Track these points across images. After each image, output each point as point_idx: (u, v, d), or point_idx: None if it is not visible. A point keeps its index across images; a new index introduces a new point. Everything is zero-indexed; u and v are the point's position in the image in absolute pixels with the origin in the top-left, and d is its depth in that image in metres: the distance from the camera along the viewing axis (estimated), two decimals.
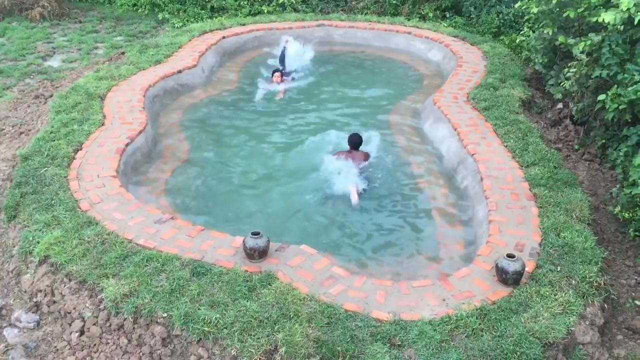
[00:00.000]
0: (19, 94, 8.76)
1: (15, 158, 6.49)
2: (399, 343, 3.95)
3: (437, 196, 6.41)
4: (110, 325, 4.34)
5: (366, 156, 6.91)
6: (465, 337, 4.00)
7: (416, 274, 5.11)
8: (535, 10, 7.73)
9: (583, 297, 4.40)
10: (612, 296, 4.81)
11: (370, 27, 11.16)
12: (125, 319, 4.29)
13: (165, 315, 4.18)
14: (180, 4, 12.87)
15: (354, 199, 6.17)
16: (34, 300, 4.75)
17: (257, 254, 4.63)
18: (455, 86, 8.36)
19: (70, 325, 4.48)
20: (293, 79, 9.57)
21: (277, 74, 9.23)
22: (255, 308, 4.14)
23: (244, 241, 4.66)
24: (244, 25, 11.14)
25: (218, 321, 4.05)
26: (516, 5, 8.55)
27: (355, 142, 6.88)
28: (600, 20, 6.10)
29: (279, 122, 8.16)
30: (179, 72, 8.77)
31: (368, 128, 7.81)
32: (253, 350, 3.86)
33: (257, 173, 6.86)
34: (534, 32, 8.91)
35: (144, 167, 6.69)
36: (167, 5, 12.87)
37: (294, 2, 12.57)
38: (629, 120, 6.10)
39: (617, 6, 6.08)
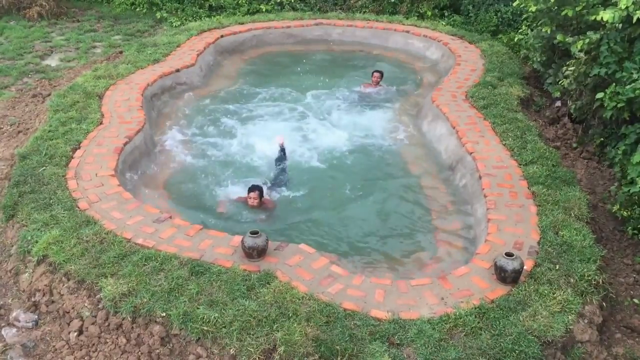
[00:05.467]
0: (17, 93, 8.74)
1: (13, 157, 6.47)
2: (398, 342, 3.95)
3: (436, 194, 6.41)
4: (108, 324, 4.34)
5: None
6: (464, 335, 4.00)
7: (415, 273, 5.11)
8: (533, 8, 7.72)
9: (581, 295, 4.40)
10: (611, 294, 4.80)
11: (369, 26, 11.14)
12: (123, 319, 4.29)
13: (164, 314, 4.18)
14: (179, 3, 12.85)
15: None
16: (33, 299, 4.74)
17: (256, 253, 4.62)
18: (453, 84, 8.36)
19: (68, 324, 4.47)
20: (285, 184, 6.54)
21: (254, 194, 5.96)
22: (254, 307, 4.14)
23: (242, 240, 4.66)
24: (242, 24, 11.13)
25: (217, 320, 4.04)
26: (514, 4, 8.53)
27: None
28: (598, 18, 6.09)
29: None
30: (177, 71, 8.76)
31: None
32: (252, 350, 3.86)
33: (257, 171, 6.85)
34: (532, 30, 8.91)
35: (142, 166, 6.67)
36: (165, 4, 12.85)
37: (292, 0, 12.55)
38: (627, 119, 6.10)
39: (615, 4, 6.08)
